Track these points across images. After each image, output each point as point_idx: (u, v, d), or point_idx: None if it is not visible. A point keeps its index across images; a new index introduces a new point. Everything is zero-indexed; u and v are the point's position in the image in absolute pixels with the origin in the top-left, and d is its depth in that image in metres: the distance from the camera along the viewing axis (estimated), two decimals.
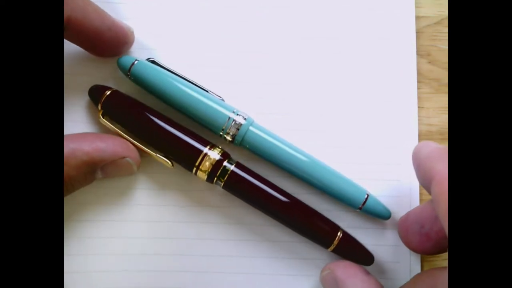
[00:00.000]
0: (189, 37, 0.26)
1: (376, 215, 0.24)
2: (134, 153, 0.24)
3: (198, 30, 0.26)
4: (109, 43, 0.24)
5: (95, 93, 0.24)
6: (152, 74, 0.24)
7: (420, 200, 0.25)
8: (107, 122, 0.24)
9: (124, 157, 0.23)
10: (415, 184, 0.25)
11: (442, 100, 0.27)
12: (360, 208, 0.24)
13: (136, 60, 0.24)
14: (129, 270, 0.24)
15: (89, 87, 0.25)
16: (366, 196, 0.24)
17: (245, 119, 0.24)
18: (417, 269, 0.25)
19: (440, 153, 0.20)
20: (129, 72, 0.24)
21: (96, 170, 0.23)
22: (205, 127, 0.25)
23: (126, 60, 0.24)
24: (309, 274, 0.25)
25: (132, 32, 0.25)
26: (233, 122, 0.24)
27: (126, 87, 0.25)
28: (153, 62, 0.25)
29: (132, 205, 0.25)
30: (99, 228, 0.25)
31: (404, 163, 0.25)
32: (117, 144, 0.23)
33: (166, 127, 0.24)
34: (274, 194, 0.23)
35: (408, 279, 0.23)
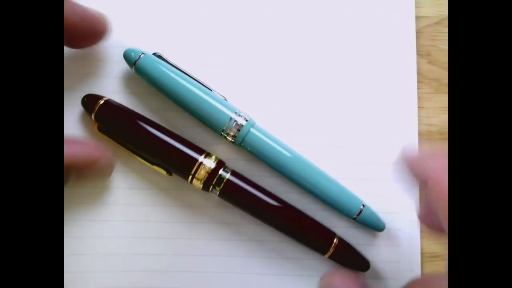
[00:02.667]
0: (191, 38, 0.26)
1: (370, 226, 0.24)
2: (108, 157, 0.23)
3: (200, 31, 0.26)
4: (83, 33, 0.23)
5: (88, 102, 0.24)
6: (158, 69, 0.24)
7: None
8: (103, 135, 0.24)
9: (97, 161, 0.23)
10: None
11: (442, 100, 0.27)
12: (355, 218, 0.24)
13: (143, 53, 0.24)
14: (123, 270, 0.24)
15: (86, 83, 0.25)
16: (361, 207, 0.24)
17: (246, 120, 0.24)
18: (417, 269, 0.25)
19: (432, 153, 0.19)
20: (134, 65, 0.24)
21: (69, 174, 0.23)
22: (207, 126, 0.25)
23: (132, 52, 0.25)
24: (304, 274, 0.25)
25: (107, 20, 0.24)
26: (235, 123, 0.24)
27: (119, 95, 0.25)
28: (159, 57, 0.25)
29: (128, 205, 0.25)
30: (94, 228, 0.25)
31: None
32: (90, 148, 0.23)
33: (160, 136, 0.24)
34: (270, 202, 0.24)
35: (408, 279, 0.23)
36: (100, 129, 0.24)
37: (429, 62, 0.27)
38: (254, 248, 0.25)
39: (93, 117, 0.24)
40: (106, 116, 0.24)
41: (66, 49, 0.25)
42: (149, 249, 0.25)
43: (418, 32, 0.27)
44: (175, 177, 0.25)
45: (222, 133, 0.24)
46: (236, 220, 0.25)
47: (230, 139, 0.24)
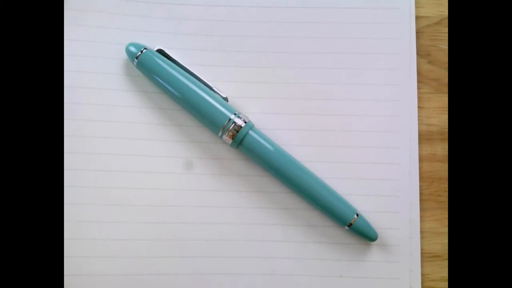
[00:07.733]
0: (193, 38, 0.26)
1: (363, 235, 0.24)
2: None
3: (201, 31, 0.26)
4: None
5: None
6: (159, 65, 0.24)
7: (420, 200, 0.25)
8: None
9: None
10: (415, 183, 0.25)
11: (442, 100, 0.27)
12: (349, 226, 0.24)
13: (145, 48, 0.25)
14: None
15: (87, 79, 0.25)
16: (355, 216, 0.24)
17: (245, 122, 0.24)
18: (417, 269, 0.25)
19: None
20: (136, 59, 0.24)
21: None
22: (205, 125, 0.25)
23: (134, 47, 0.25)
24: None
25: None
26: (233, 124, 0.24)
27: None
28: (163, 53, 0.25)
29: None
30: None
31: (403, 163, 0.25)
32: None
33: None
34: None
35: (408, 279, 0.23)
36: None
37: (429, 62, 0.27)
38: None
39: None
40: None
41: (66, 45, 0.25)
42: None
43: (418, 32, 0.27)
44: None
45: (220, 133, 0.24)
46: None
47: (228, 141, 0.24)
